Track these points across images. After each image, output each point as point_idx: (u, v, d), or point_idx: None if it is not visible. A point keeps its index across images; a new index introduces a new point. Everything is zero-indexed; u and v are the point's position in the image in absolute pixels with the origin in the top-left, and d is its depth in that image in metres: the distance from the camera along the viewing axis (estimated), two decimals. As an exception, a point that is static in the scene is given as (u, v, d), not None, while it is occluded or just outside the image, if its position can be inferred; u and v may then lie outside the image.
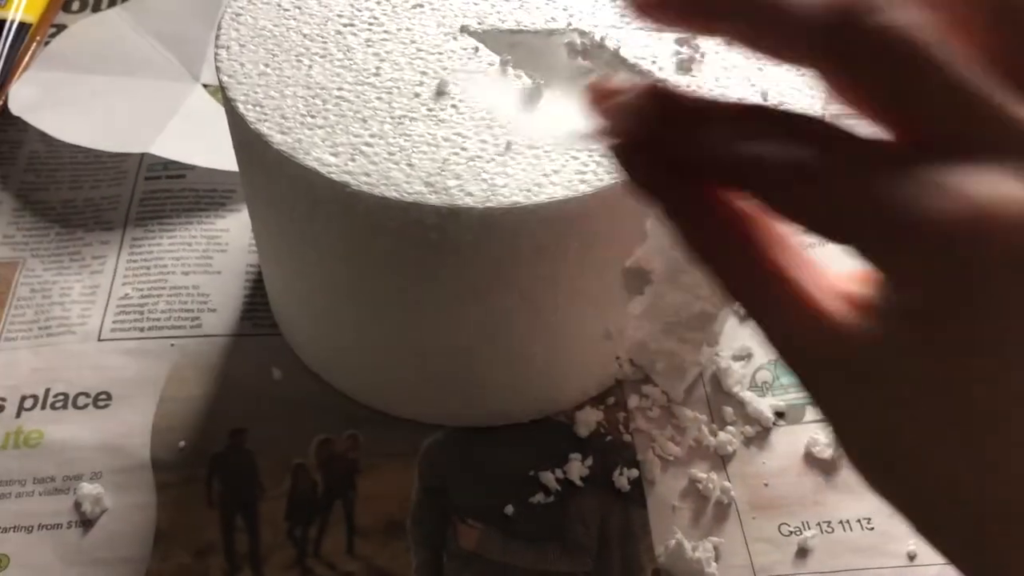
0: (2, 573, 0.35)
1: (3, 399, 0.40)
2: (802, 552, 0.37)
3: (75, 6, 0.58)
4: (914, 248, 0.16)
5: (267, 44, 0.35)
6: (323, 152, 0.31)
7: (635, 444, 0.39)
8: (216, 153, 0.47)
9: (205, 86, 0.52)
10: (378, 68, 0.34)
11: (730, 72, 0.35)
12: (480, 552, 0.36)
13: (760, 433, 0.40)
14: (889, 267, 0.17)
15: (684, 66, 0.35)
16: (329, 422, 0.39)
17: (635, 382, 0.41)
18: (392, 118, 0.32)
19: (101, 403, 0.40)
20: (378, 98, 0.33)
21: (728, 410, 0.40)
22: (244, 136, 0.33)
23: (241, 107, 0.32)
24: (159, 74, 0.52)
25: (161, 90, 0.51)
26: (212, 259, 0.45)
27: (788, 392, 0.41)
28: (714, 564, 0.36)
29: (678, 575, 0.36)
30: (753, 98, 0.34)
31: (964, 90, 0.17)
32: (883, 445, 0.18)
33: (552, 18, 0.36)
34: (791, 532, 0.37)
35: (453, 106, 0.33)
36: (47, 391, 0.40)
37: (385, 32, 0.35)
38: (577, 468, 0.38)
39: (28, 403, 0.39)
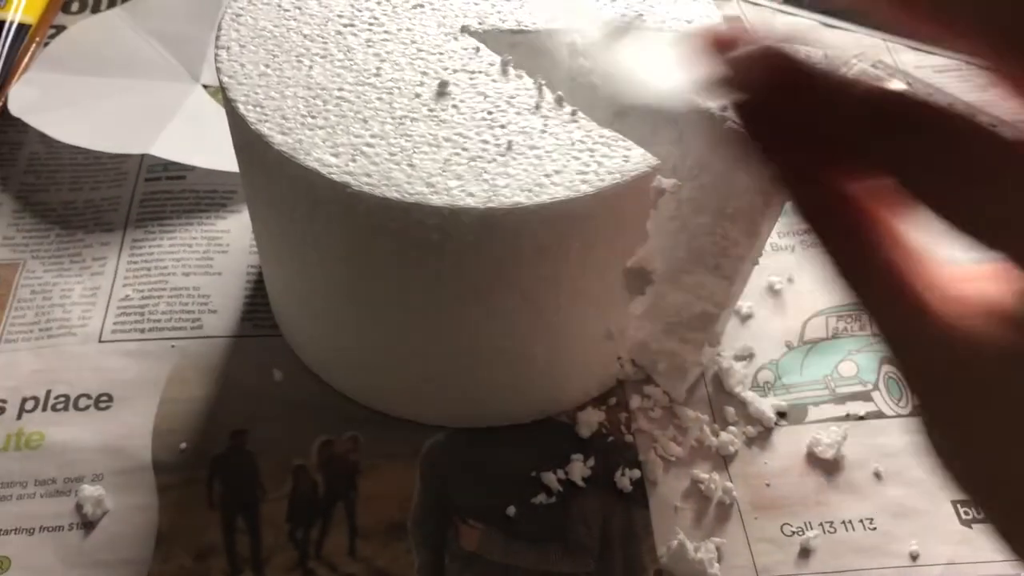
0: (3, 575, 0.35)
1: (4, 401, 0.39)
2: (804, 552, 0.37)
3: (75, 7, 0.58)
4: None
5: (267, 45, 0.35)
6: (324, 153, 0.31)
7: (637, 444, 0.39)
8: (216, 154, 0.47)
9: (205, 87, 0.52)
10: (379, 68, 0.34)
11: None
12: (482, 553, 0.36)
13: (762, 433, 0.40)
14: None
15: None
16: (330, 423, 0.39)
17: (637, 382, 0.41)
18: (393, 118, 0.32)
19: (102, 405, 0.39)
20: (379, 98, 0.33)
21: (730, 410, 0.40)
22: (245, 137, 0.33)
23: (242, 108, 0.32)
24: (159, 75, 0.52)
25: (161, 91, 0.51)
26: (213, 260, 0.45)
27: (790, 392, 0.41)
28: (716, 565, 0.36)
29: (680, 576, 0.36)
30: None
31: None
32: (997, 458, 0.18)
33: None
34: (793, 532, 0.37)
35: (454, 106, 0.33)
36: (48, 393, 0.40)
37: (385, 32, 0.35)
38: (579, 469, 0.38)
39: (29, 405, 0.39)
